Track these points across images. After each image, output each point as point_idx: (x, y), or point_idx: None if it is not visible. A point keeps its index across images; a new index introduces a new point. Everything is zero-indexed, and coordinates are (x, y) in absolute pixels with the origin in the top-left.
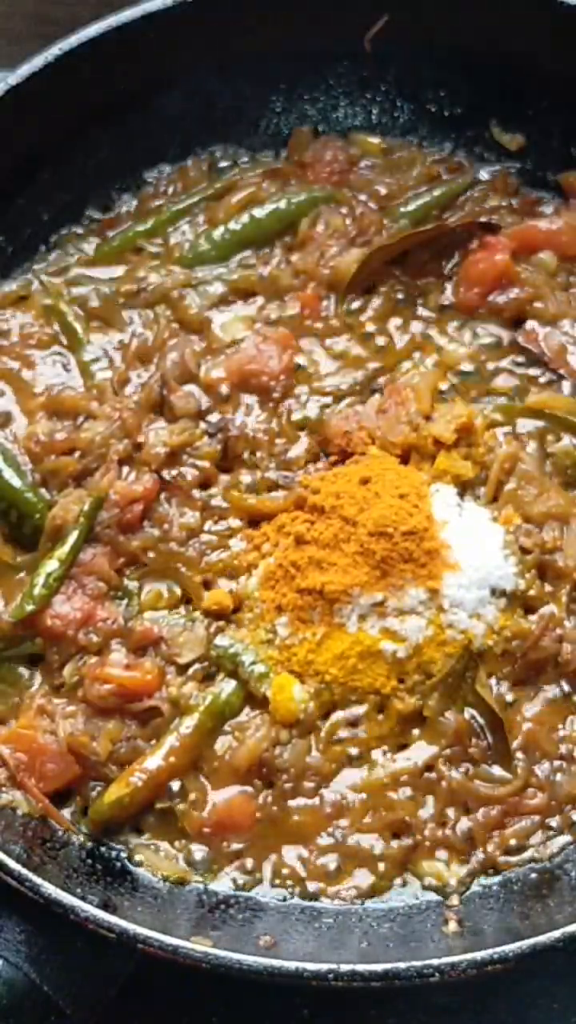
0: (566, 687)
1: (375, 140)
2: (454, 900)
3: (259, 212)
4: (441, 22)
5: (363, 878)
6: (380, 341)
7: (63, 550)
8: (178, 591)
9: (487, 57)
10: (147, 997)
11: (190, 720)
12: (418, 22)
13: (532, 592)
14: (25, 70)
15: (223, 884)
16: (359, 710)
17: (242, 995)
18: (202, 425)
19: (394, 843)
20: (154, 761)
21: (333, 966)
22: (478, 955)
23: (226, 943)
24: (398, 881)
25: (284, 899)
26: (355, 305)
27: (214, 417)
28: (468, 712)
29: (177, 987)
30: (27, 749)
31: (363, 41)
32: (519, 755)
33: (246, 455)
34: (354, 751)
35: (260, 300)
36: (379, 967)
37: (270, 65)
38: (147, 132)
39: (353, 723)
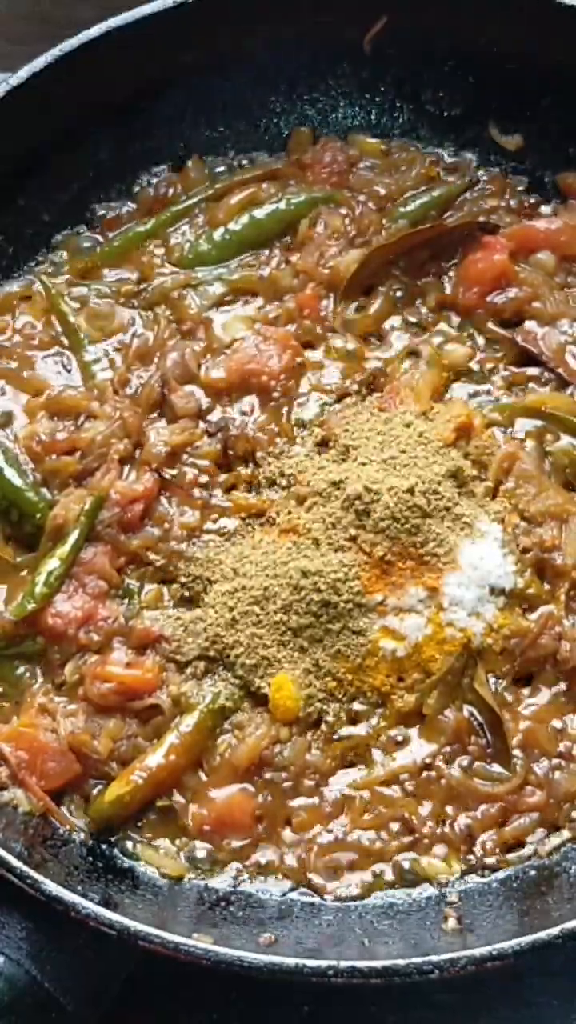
0: (564, 685)
1: (374, 141)
2: (453, 897)
3: (259, 213)
4: (440, 22)
5: (363, 875)
6: (379, 341)
7: (64, 549)
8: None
9: (486, 57)
10: (148, 994)
11: (191, 718)
12: (418, 23)
13: (531, 591)
14: (25, 71)
15: (223, 881)
16: (359, 708)
17: (243, 992)
18: (202, 425)
19: (394, 841)
20: (155, 759)
21: (333, 963)
22: (477, 952)
23: (227, 940)
24: (398, 878)
25: (284, 896)
26: (355, 305)
27: (214, 417)
28: (467, 710)
29: (178, 984)
30: (28, 747)
31: (363, 42)
32: (518, 753)
33: (246, 455)
34: (354, 749)
35: (260, 300)
36: (379, 964)
37: (270, 65)
38: (147, 132)
39: (353, 721)
